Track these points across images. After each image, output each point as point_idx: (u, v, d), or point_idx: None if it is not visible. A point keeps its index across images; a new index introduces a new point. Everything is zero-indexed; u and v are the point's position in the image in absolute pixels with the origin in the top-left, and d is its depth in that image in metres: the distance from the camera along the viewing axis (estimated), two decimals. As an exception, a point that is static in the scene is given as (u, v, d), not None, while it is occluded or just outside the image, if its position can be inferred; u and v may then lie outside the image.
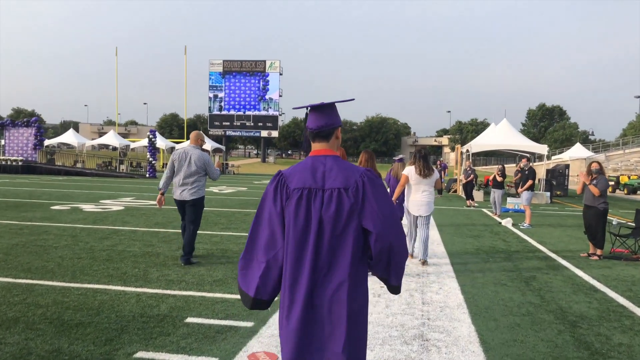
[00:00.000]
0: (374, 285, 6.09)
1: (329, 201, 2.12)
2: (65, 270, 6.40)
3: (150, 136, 32.91)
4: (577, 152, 42.42)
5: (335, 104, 2.35)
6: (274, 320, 4.65)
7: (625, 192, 30.17)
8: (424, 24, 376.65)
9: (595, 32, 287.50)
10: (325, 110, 2.31)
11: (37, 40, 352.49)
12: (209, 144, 41.12)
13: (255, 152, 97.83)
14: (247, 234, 9.72)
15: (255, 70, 72.70)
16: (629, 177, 31.28)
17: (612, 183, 32.02)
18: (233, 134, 73.66)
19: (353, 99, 2.48)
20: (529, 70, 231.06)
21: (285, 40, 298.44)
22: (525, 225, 12.52)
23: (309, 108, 2.33)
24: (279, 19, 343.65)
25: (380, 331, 4.52)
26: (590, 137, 76.78)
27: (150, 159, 32.50)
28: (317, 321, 2.11)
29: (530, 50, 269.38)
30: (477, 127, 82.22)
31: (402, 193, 7.79)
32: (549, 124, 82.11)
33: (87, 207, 13.59)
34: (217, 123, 73.18)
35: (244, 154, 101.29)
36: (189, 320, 4.62)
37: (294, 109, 2.47)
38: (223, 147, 44.51)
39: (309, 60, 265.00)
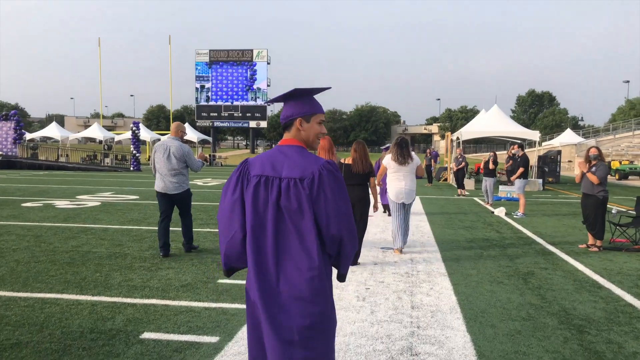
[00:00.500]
0: (359, 287, 5.53)
1: (286, 190, 2.14)
2: (17, 276, 5.78)
3: (134, 128, 32.06)
4: (567, 138, 42.14)
5: (304, 93, 2.31)
6: (242, 335, 4.08)
7: (617, 177, 29.88)
8: (413, 10, 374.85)
9: (583, 17, 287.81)
10: (288, 101, 2.33)
11: (19, 32, 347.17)
12: (195, 136, 40.34)
13: (244, 143, 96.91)
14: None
15: (242, 60, 71.65)
16: (620, 163, 31.00)
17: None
18: (221, 125, 72.66)
19: (328, 88, 2.37)
20: (518, 57, 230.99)
21: (272, 28, 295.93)
22: (519, 214, 12.04)
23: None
24: (266, 6, 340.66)
25: (364, 344, 3.96)
26: (579, 122, 76.78)
27: (134, 152, 31.66)
28: (282, 306, 2.13)
29: (519, 37, 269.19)
30: (466, 115, 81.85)
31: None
32: (538, 110, 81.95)
33: (61, 204, 12.92)
34: (204, 114, 72.12)
35: (232, 145, 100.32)
36: (145, 335, 4.04)
37: (266, 102, 2.39)
38: (209, 139, 43.59)
39: (297, 49, 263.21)
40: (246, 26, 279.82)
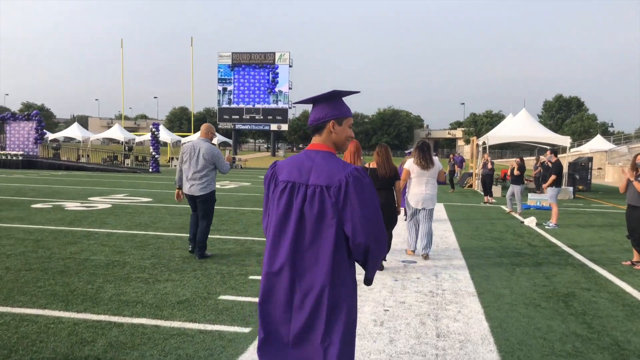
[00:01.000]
0: (377, 308, 4.89)
1: (312, 198, 2.12)
2: (2, 287, 5.28)
3: (154, 130, 31.84)
4: (597, 145, 40.73)
5: (336, 95, 2.25)
6: (237, 368, 3.48)
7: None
8: (439, 14, 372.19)
9: (608, 22, 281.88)
10: (319, 103, 2.26)
11: (46, 34, 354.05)
12: (215, 138, 40.06)
13: (265, 145, 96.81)
14: (236, 237, 8.57)
15: (264, 63, 71.55)
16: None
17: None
18: (242, 127, 72.66)
19: (358, 92, 2.32)
20: (545, 61, 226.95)
21: (295, 31, 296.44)
22: (551, 224, 11.23)
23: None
24: (289, 8, 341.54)
25: (380, 384, 3.32)
26: (609, 128, 74.64)
27: (154, 154, 31.42)
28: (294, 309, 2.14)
29: (545, 40, 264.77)
30: (491, 119, 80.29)
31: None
32: (566, 115, 79.93)
33: (71, 205, 12.52)
34: (226, 117, 72.21)
35: (254, 147, 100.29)
36: (125, 366, 3.47)
37: (294, 104, 3.05)
38: (230, 141, 43.29)
39: (319, 52, 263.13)
40: (268, 28, 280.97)
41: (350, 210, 2.08)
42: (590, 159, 23.86)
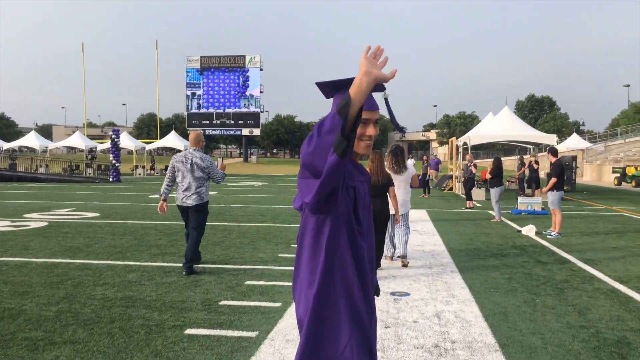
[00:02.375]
0: None
1: None
2: None
3: (113, 136, 29.73)
4: (574, 143, 40.02)
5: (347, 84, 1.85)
6: None
7: (634, 184, 27.75)
8: (409, 15, 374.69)
9: (579, 22, 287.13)
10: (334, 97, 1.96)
11: (8, 41, 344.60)
12: (181, 144, 38.11)
13: (237, 151, 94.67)
14: (178, 264, 6.88)
15: (234, 66, 69.72)
16: (636, 169, 28.84)
17: (617, 175, 29.65)
18: (213, 132, 70.59)
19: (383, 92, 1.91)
20: (516, 62, 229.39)
21: (265, 34, 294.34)
22: (553, 234, 9.86)
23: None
24: (258, 11, 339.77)
25: None
26: (581, 127, 74.86)
27: (114, 162, 29.31)
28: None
29: (516, 41, 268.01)
30: (465, 121, 79.90)
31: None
32: (538, 115, 79.99)
33: (-2, 225, 10.66)
34: (195, 122, 70.06)
35: (225, 153, 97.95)
36: None
37: (317, 84, 1.98)
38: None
39: (291, 55, 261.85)
40: (238, 32, 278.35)
41: None
42: (574, 158, 22.83)
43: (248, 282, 6.01)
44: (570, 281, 6.28)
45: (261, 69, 69.51)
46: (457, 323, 4.62)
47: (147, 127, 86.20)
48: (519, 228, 10.69)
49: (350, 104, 1.60)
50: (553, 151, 10.37)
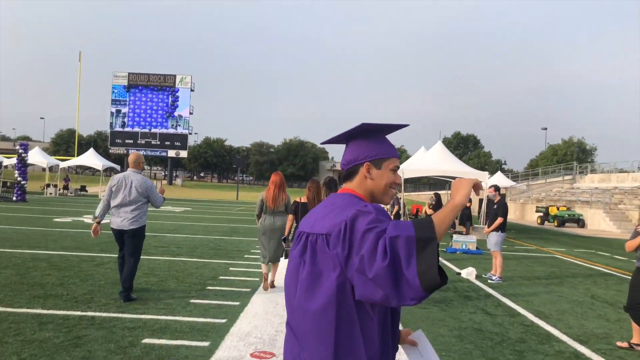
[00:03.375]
0: None
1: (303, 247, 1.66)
2: None
3: (20, 151, 27.01)
4: (498, 181, 41.11)
5: (372, 130, 1.77)
6: None
7: (556, 224, 28.50)
8: (343, 48, 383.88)
9: (500, 66, 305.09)
10: (352, 141, 1.80)
11: None
12: (99, 163, 35.52)
13: (162, 173, 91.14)
14: (65, 313, 5.44)
15: (164, 85, 67.52)
16: (557, 209, 29.72)
17: (540, 214, 30.41)
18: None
19: (407, 125, 1.80)
20: (441, 101, 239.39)
21: (198, 54, 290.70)
22: (494, 278, 9.23)
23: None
24: (191, 31, 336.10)
25: None
26: (503, 166, 78.08)
27: (20, 179, 26.55)
28: None
29: (443, 81, 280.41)
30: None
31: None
32: (463, 152, 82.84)
33: None
34: (119, 140, 66.94)
35: (149, 175, 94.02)
36: None
37: (322, 144, 1.97)
38: (117, 167, 38.78)
39: (224, 77, 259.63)
40: (170, 51, 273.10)
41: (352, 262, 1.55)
42: (504, 196, 22.95)
43: (146, 341, 4.76)
44: (527, 340, 5.50)
45: (192, 90, 67.74)
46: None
47: (66, 143, 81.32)
48: (457, 270, 10.01)
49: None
50: (498, 188, 9.84)
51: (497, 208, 9.45)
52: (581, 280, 9.85)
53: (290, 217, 6.62)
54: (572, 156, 61.14)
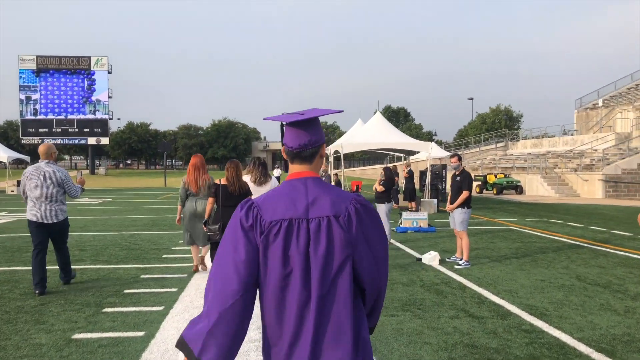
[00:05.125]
0: None
1: (316, 233, 1.59)
2: None
3: None
4: (434, 152, 40.75)
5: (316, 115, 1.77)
6: None
7: (495, 192, 28.16)
8: (264, 25, 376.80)
9: (428, 39, 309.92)
10: (312, 124, 1.77)
11: None
12: (5, 155, 31.84)
13: (85, 163, 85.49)
14: None
15: (78, 68, 62.51)
16: (495, 176, 29.39)
17: (479, 183, 30.03)
18: (54, 142, 62.32)
19: (341, 111, 1.91)
20: (371, 74, 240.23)
21: (114, 36, 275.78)
22: (462, 263, 7.88)
23: (284, 123, 1.78)
24: (107, 11, 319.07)
25: None
26: (434, 137, 78.78)
27: None
28: None
29: (373, 53, 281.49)
30: (327, 130, 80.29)
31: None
32: (395, 125, 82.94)
33: None
34: (32, 130, 61.62)
35: (70, 165, 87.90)
36: None
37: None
38: (27, 158, 34.96)
39: (142, 59, 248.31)
40: (82, 32, 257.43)
41: (363, 247, 1.63)
42: (444, 167, 22.02)
43: None
44: (540, 357, 4.08)
45: (109, 72, 63.13)
46: None
47: (-29, 135, 74.30)
48: (418, 255, 8.60)
49: None
50: (460, 157, 8.45)
51: (461, 180, 8.05)
52: (554, 257, 8.71)
53: (211, 199, 6.31)
54: (501, 124, 62.23)
